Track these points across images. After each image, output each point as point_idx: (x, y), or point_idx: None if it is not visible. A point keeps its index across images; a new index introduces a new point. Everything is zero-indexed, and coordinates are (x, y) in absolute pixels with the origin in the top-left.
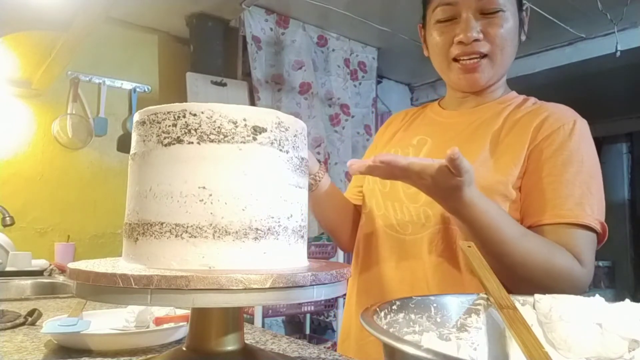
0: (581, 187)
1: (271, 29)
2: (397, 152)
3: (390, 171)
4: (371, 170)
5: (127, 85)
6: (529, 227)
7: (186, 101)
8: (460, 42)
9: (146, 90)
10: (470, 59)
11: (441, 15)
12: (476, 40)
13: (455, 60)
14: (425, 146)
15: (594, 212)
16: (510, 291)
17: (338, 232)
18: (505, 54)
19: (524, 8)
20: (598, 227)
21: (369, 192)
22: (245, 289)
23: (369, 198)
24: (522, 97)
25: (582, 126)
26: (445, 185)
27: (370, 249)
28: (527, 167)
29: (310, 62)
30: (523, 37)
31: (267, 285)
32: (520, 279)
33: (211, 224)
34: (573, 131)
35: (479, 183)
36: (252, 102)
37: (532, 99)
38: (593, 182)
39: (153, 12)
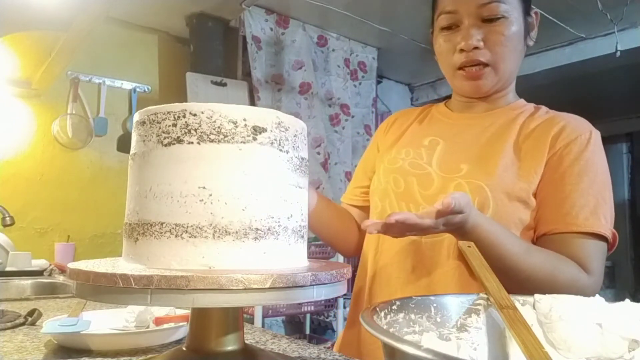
0: (596, 197)
1: (271, 29)
2: (409, 152)
3: (404, 229)
4: (387, 229)
5: (127, 85)
6: (544, 235)
7: (186, 101)
8: (461, 50)
9: (146, 90)
10: (472, 67)
11: (444, 23)
12: (476, 48)
13: (460, 68)
14: (438, 147)
15: (608, 221)
16: (510, 291)
17: (342, 240)
18: (508, 61)
19: (533, 12)
20: (610, 236)
21: (381, 192)
22: (245, 289)
23: (380, 198)
24: (533, 105)
25: (597, 137)
26: (453, 223)
27: (382, 252)
28: (544, 175)
29: (310, 62)
30: (530, 42)
31: (267, 285)
32: (528, 292)
33: (211, 224)
34: (589, 142)
35: (503, 189)
36: (252, 102)
37: (544, 108)
38: (606, 192)
39: (153, 12)
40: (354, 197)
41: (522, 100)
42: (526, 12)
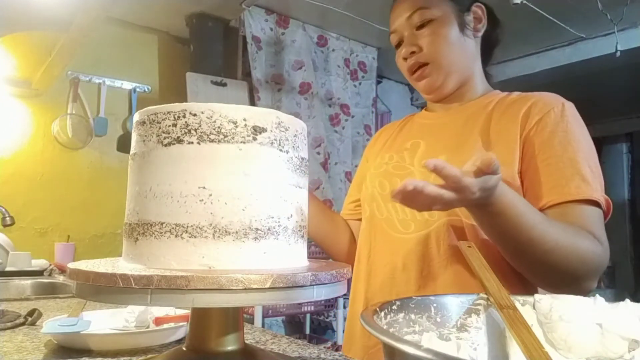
0: (583, 165)
1: (271, 29)
2: (392, 157)
3: (425, 201)
4: (406, 198)
5: (127, 85)
6: (539, 210)
7: (186, 101)
8: (404, 59)
9: (146, 90)
10: (418, 70)
11: (393, 42)
12: (413, 52)
13: (411, 74)
14: (419, 149)
15: (599, 188)
16: (535, 265)
17: (332, 244)
18: (447, 54)
19: (473, 7)
20: (604, 203)
21: (369, 197)
22: (245, 289)
23: (369, 203)
24: (507, 92)
25: (571, 108)
26: (489, 187)
27: (374, 252)
28: (524, 155)
29: (310, 62)
30: (478, 34)
31: (267, 285)
32: (550, 265)
33: (211, 224)
34: (564, 113)
35: None
36: (252, 102)
37: (517, 93)
38: (592, 160)
39: (153, 12)
40: (349, 211)
41: (497, 91)
42: (463, 10)
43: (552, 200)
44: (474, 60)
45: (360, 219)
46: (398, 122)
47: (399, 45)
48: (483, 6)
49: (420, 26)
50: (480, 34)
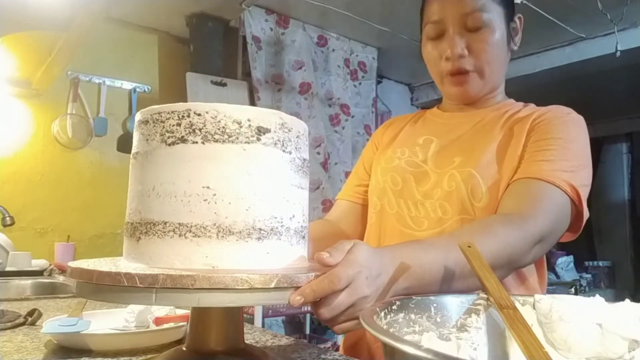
0: (564, 160)
1: (271, 29)
2: (404, 151)
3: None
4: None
5: (127, 85)
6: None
7: (186, 101)
8: (447, 58)
9: (146, 90)
10: (459, 74)
11: (431, 32)
12: (461, 56)
13: (447, 74)
14: (432, 144)
15: (567, 178)
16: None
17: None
18: (492, 66)
19: (516, 18)
20: (567, 188)
21: (379, 191)
22: (250, 288)
23: (379, 197)
24: (522, 103)
25: (576, 117)
26: (358, 286)
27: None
28: (522, 153)
29: (310, 62)
30: (515, 47)
31: (272, 285)
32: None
33: (215, 224)
34: (565, 117)
35: (492, 174)
36: (252, 102)
37: (533, 105)
38: (575, 160)
39: (153, 12)
40: (356, 194)
41: (512, 100)
42: (509, 18)
43: (515, 177)
44: (504, 72)
45: (362, 205)
46: (410, 116)
47: (435, 37)
48: (522, 17)
49: (472, 29)
50: (516, 48)
